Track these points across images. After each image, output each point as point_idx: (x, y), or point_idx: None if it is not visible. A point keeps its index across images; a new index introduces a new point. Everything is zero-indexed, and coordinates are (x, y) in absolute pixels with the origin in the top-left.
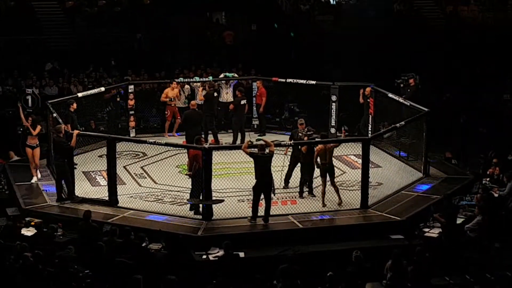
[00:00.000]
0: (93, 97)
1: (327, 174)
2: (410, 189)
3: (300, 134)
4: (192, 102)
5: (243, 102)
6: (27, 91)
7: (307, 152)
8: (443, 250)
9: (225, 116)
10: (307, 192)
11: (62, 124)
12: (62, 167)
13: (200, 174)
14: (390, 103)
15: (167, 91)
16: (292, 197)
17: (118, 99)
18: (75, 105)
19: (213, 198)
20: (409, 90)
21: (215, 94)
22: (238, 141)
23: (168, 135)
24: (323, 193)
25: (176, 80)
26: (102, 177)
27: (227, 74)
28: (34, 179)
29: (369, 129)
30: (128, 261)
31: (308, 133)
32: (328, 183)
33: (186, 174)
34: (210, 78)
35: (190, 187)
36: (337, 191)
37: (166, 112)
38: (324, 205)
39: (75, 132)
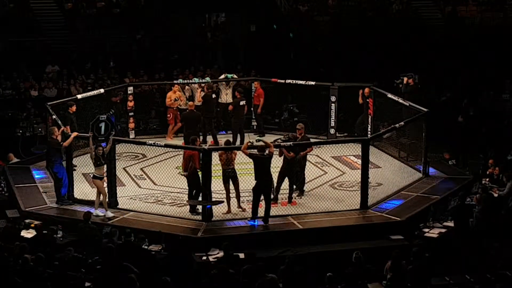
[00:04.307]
0: (97, 98)
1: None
2: (411, 189)
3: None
4: (190, 103)
5: (242, 103)
6: (101, 117)
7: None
8: (445, 250)
9: (224, 117)
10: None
11: (55, 126)
12: (57, 168)
13: (196, 174)
14: (390, 104)
15: (170, 94)
16: (292, 198)
17: (118, 101)
18: (74, 108)
19: (213, 199)
20: (408, 89)
21: (213, 95)
22: (238, 142)
23: (173, 137)
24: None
25: (177, 82)
26: None
27: (228, 75)
28: (109, 214)
29: (369, 129)
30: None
31: (279, 140)
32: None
33: (182, 175)
34: (208, 79)
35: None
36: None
37: (168, 115)
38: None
39: (73, 134)
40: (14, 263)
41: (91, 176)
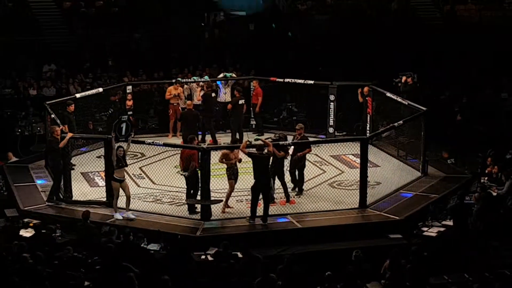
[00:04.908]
0: (96, 97)
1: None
2: (409, 188)
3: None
4: (188, 102)
5: (241, 102)
6: (123, 118)
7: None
8: (444, 249)
9: (223, 116)
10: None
11: (56, 125)
12: (55, 167)
13: (197, 174)
14: (389, 102)
15: (170, 89)
16: (291, 197)
17: (117, 100)
18: (72, 107)
19: (212, 198)
20: (407, 88)
21: (213, 94)
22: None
23: (172, 135)
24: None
25: (181, 80)
26: (100, 177)
27: (227, 74)
28: (117, 215)
29: (367, 128)
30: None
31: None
32: (327, 181)
33: (182, 174)
34: (206, 78)
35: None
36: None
37: (169, 111)
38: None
39: (69, 134)
40: (12, 262)
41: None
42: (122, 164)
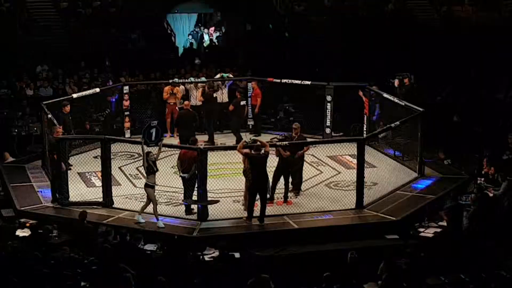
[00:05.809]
0: (93, 98)
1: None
2: (406, 189)
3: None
4: (186, 102)
5: (242, 103)
6: (152, 123)
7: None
8: (440, 249)
9: (220, 116)
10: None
11: (57, 126)
12: (56, 168)
13: (196, 174)
14: (386, 103)
15: (167, 89)
16: (288, 198)
17: (113, 100)
18: (68, 108)
19: (208, 199)
20: (403, 90)
21: (215, 95)
22: (234, 142)
23: (170, 136)
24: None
25: (177, 80)
26: (97, 178)
27: (224, 74)
28: (160, 224)
29: (364, 129)
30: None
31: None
32: (325, 182)
33: (182, 176)
34: (203, 79)
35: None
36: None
37: (166, 111)
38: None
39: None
40: (9, 262)
41: (143, 184)
42: (153, 170)
